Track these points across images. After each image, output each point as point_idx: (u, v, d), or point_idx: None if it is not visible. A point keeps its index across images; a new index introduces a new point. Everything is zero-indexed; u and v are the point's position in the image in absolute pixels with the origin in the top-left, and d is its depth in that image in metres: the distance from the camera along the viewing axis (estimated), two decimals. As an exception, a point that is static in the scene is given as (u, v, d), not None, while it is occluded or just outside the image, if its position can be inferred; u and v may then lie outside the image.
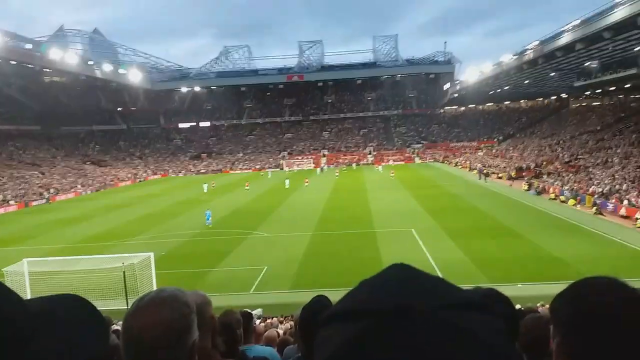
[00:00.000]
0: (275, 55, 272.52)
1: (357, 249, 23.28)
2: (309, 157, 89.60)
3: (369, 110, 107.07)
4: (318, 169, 77.38)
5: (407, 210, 34.21)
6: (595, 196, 32.89)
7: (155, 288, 13.63)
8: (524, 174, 50.77)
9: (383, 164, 79.08)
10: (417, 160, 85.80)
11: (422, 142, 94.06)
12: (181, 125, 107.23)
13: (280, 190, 51.76)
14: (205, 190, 53.39)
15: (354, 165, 79.42)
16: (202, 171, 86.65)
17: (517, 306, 10.30)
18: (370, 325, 0.60)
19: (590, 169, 41.72)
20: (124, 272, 15.68)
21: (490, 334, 0.60)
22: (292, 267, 20.75)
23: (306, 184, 54.77)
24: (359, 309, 0.65)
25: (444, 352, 0.55)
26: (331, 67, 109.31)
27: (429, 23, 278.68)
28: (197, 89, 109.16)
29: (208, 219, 32.21)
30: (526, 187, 42.09)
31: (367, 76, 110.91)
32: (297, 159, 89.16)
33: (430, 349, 0.55)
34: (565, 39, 39.67)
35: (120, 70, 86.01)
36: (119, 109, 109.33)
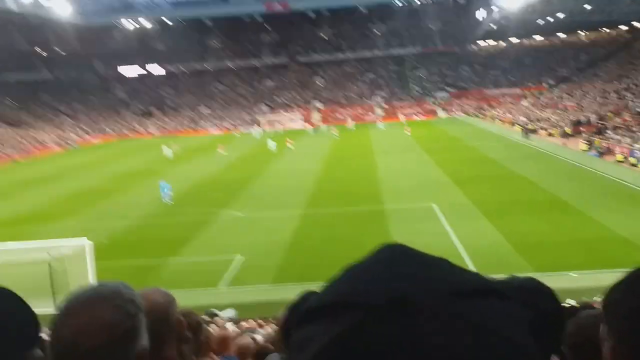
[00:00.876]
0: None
1: (361, 231, 23.28)
2: (297, 111, 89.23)
3: (377, 49, 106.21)
4: (310, 129, 77.19)
5: (427, 180, 34.22)
6: (676, 157, 33.00)
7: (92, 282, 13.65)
8: (582, 129, 50.73)
9: (380, 121, 79.05)
10: (442, 114, 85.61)
11: (448, 89, 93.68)
12: (124, 72, 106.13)
13: (261, 155, 51.65)
14: (169, 156, 54.17)
15: (349, 123, 78.54)
16: (153, 132, 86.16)
17: (570, 301, 10.33)
18: (358, 320, 0.61)
19: (671, 122, 41.76)
20: (49, 264, 15.63)
21: (505, 325, 0.62)
22: (275, 256, 20.80)
23: (289, 145, 55.09)
24: (344, 302, 0.66)
25: (449, 353, 0.56)
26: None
27: None
28: (145, 23, 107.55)
29: (165, 193, 32.12)
30: (585, 147, 42.18)
31: (374, 2, 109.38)
32: (281, 114, 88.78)
33: (430, 349, 0.57)
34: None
35: (42, 1, 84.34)
36: (40, 51, 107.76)
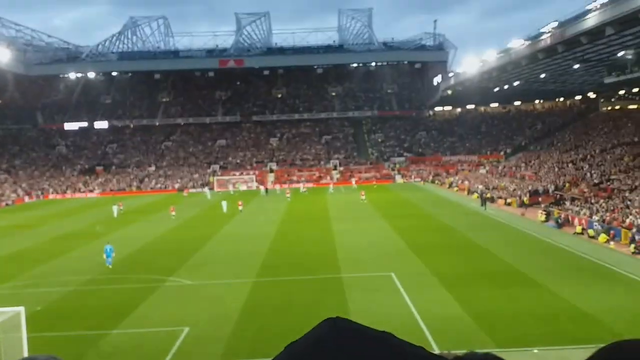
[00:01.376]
0: (204, 31, 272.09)
1: (318, 300, 23.18)
2: (251, 172, 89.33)
3: (334, 110, 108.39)
4: (262, 189, 77.38)
5: (385, 247, 34.48)
6: (634, 230, 34.22)
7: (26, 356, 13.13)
8: (540, 199, 52.30)
9: (332, 184, 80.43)
10: (399, 178, 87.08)
11: (404, 154, 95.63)
12: (68, 127, 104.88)
13: (212, 217, 51.32)
14: (115, 215, 54.93)
15: (301, 187, 79.16)
16: (95, 192, 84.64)
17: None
18: None
19: (627, 194, 43.52)
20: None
21: None
22: (224, 328, 20.40)
23: (240, 208, 55.12)
24: None
25: None
26: (282, 50, 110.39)
27: None
28: (91, 75, 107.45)
29: (108, 258, 31.45)
30: (543, 218, 43.36)
31: (330, 63, 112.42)
32: (234, 174, 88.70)
33: None
34: (592, 21, 41.60)
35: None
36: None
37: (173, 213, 53.52)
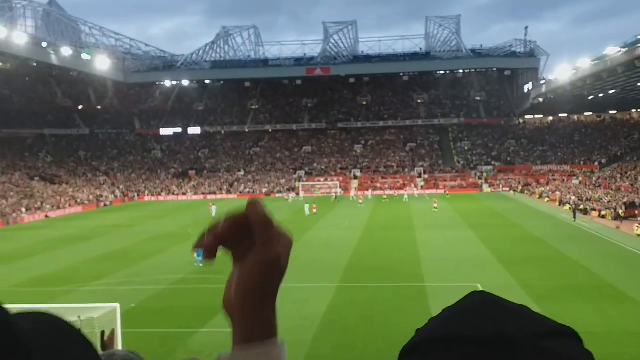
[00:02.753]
0: (292, 40, 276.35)
1: (400, 309, 22.97)
2: (335, 179, 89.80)
3: (419, 118, 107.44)
4: (353, 194, 78.46)
5: (471, 258, 33.76)
6: None
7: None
8: (636, 212, 49.85)
9: (406, 191, 79.43)
10: (486, 187, 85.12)
11: (492, 163, 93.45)
12: (163, 132, 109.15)
13: (294, 222, 51.91)
14: (214, 214, 57.67)
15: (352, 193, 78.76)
16: (189, 194, 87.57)
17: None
18: (472, 354, 0.73)
19: None
20: (79, 329, 15.78)
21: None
22: (307, 332, 20.55)
23: (314, 210, 57.68)
24: (453, 335, 0.77)
25: None
26: (367, 58, 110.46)
27: (498, 2, 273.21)
28: (185, 83, 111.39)
29: (198, 257, 32.31)
30: (640, 231, 41.33)
31: (417, 71, 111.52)
32: (319, 180, 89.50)
33: None
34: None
35: (83, 56, 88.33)
36: (79, 107, 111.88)
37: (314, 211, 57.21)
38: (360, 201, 69.60)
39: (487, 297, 0.89)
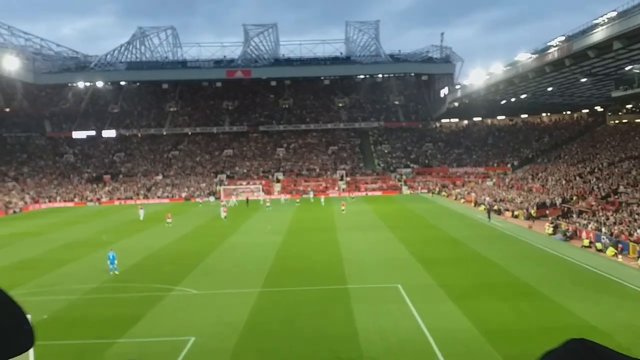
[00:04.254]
0: (212, 42, 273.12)
1: (323, 312, 23.07)
2: (257, 182, 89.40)
3: (340, 121, 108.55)
4: (282, 197, 79.28)
5: (391, 258, 34.35)
6: (641, 244, 33.99)
7: (32, 367, 12.79)
8: (547, 212, 52.15)
9: (312, 194, 79.97)
10: (406, 190, 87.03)
11: (411, 165, 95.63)
12: (76, 135, 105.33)
13: (214, 227, 51.35)
14: (141, 218, 58.51)
15: (282, 198, 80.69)
16: (104, 200, 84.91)
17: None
18: None
19: (635, 207, 43.29)
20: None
21: None
22: (230, 339, 20.30)
23: (223, 215, 58.73)
24: None
25: None
26: (289, 61, 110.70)
27: (415, 9, 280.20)
28: (99, 84, 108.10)
29: (112, 264, 31.55)
30: (550, 231, 43.21)
31: (337, 75, 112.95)
32: (240, 184, 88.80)
33: None
34: (599, 35, 41.61)
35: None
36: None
37: (169, 221, 54.74)
38: (268, 204, 70.64)
39: (588, 345, 0.85)
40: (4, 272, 33.82)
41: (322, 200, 74.03)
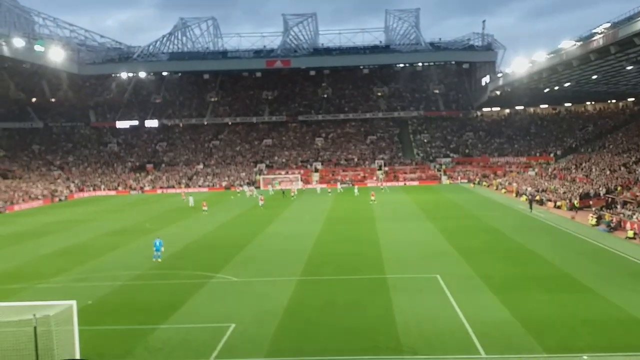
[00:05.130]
0: (252, 32, 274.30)
1: (361, 301, 23.08)
2: (296, 171, 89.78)
3: (379, 110, 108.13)
4: (317, 188, 78.77)
5: (431, 249, 34.16)
6: (689, 236, 33.08)
7: (77, 349, 13.28)
8: (591, 202, 51.10)
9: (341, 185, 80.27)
10: (445, 179, 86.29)
11: (451, 155, 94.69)
12: (119, 125, 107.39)
13: (255, 216, 51.82)
14: (191, 204, 60.67)
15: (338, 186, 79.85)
16: (147, 188, 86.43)
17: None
18: None
19: (682, 198, 42.07)
20: (35, 327, 15.39)
21: None
22: (269, 326, 20.48)
23: (261, 203, 60.26)
24: None
25: None
26: (328, 51, 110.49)
27: None
28: (142, 75, 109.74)
29: (157, 251, 32.16)
30: (594, 221, 42.31)
31: (376, 64, 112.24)
32: (279, 173, 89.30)
33: None
34: (647, 21, 40.40)
35: (37, 47, 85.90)
36: (33, 99, 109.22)
37: (205, 208, 56.17)
38: (293, 193, 71.70)
39: None
40: (50, 258, 34.79)
41: (356, 190, 73.26)
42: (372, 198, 61.69)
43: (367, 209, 55.93)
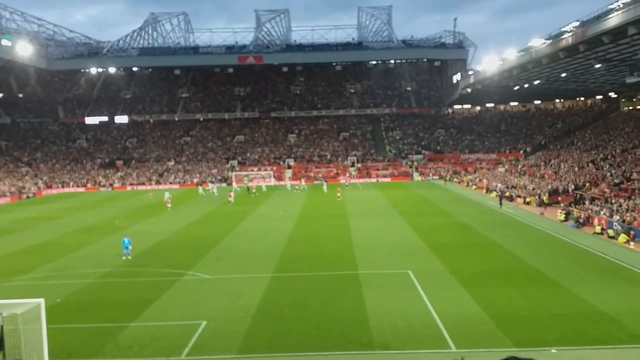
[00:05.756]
0: (224, 27, 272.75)
1: (333, 297, 23.15)
2: (268, 168, 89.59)
3: (352, 107, 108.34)
4: (288, 184, 78.15)
5: (402, 244, 34.41)
6: (654, 231, 33.79)
7: (46, 348, 13.07)
8: (559, 198, 51.90)
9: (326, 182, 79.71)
10: (417, 176, 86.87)
11: (423, 152, 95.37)
12: (88, 121, 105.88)
13: (227, 213, 51.59)
14: (165, 199, 59.67)
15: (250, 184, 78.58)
16: (117, 185, 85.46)
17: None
18: None
19: (647, 194, 42.95)
20: (1, 326, 15.16)
21: None
22: (241, 323, 20.43)
23: (230, 200, 59.58)
24: None
25: None
26: (300, 47, 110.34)
27: None
28: (112, 70, 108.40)
29: (126, 248, 31.91)
30: (562, 217, 42.98)
31: (349, 60, 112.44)
32: (252, 170, 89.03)
33: None
34: (614, 21, 41.04)
35: (4, 42, 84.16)
36: (0, 95, 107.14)
37: (169, 205, 56.84)
38: (254, 191, 71.90)
39: None
40: (18, 255, 34.31)
41: (325, 187, 72.80)
42: (339, 195, 61.87)
43: (340, 205, 56.06)
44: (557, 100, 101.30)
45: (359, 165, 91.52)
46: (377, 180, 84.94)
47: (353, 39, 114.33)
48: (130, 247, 32.19)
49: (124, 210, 56.96)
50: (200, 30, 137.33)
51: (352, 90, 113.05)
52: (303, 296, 23.65)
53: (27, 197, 74.83)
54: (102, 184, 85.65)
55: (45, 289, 24.58)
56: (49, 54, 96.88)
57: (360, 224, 43.21)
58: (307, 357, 17.40)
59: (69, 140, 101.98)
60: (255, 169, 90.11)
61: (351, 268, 28.45)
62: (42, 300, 16.80)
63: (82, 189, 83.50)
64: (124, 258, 31.78)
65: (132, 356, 17.48)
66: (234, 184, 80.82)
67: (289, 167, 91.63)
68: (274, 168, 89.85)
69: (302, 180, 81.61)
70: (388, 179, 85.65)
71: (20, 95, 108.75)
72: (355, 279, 26.25)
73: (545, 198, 52.10)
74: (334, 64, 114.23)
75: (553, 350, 17.16)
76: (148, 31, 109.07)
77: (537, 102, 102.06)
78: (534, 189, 57.94)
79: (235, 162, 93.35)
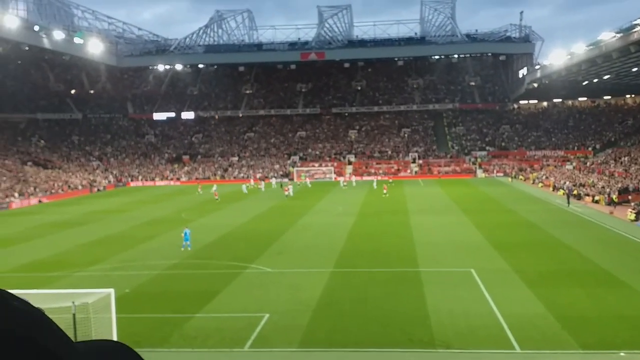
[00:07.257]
0: (286, 24, 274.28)
1: (394, 294, 23.05)
2: (329, 164, 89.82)
3: (414, 103, 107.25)
4: (341, 180, 77.59)
5: (465, 243, 33.86)
6: None
7: (115, 336, 13.59)
8: (630, 197, 50.06)
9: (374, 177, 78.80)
10: (480, 173, 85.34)
11: (487, 148, 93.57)
12: (156, 116, 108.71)
13: (288, 207, 52.02)
14: (244, 191, 64.54)
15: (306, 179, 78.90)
16: (183, 179, 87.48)
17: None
18: None
19: None
20: (74, 314, 15.73)
21: None
22: (302, 316, 20.60)
23: (286, 193, 61.12)
24: None
25: None
26: (362, 43, 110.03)
27: None
28: (178, 67, 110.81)
29: (186, 240, 32.58)
30: (633, 217, 41.44)
31: (411, 56, 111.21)
32: (313, 166, 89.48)
33: None
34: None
35: (76, 40, 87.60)
36: (72, 91, 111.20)
37: (217, 198, 59.48)
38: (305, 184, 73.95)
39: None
40: (89, 247, 35.49)
41: (375, 184, 70.96)
42: (385, 191, 60.95)
43: (401, 202, 55.65)
44: (628, 96, 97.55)
45: (420, 161, 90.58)
46: (440, 177, 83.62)
47: (415, 33, 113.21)
48: (190, 240, 32.89)
49: (190, 204, 58.23)
50: (263, 27, 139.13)
51: (414, 86, 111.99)
52: (363, 292, 23.64)
53: (98, 190, 77.50)
54: (169, 178, 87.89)
55: (114, 280, 25.41)
56: (118, 51, 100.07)
57: (422, 221, 42.78)
58: (368, 352, 17.43)
59: (138, 135, 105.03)
60: (316, 164, 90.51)
61: (412, 265, 28.23)
62: (112, 290, 17.45)
63: (150, 183, 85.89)
64: (182, 249, 32.51)
65: (197, 346, 17.91)
66: (295, 179, 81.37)
67: (350, 162, 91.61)
68: (335, 164, 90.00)
69: (351, 176, 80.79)
70: (450, 176, 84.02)
71: (92, 92, 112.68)
72: (416, 276, 26.03)
73: (614, 196, 50.34)
74: (396, 59, 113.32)
75: (622, 354, 16.61)
76: (213, 28, 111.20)
77: (607, 97, 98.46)
78: (603, 187, 56.03)
79: (296, 158, 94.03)
